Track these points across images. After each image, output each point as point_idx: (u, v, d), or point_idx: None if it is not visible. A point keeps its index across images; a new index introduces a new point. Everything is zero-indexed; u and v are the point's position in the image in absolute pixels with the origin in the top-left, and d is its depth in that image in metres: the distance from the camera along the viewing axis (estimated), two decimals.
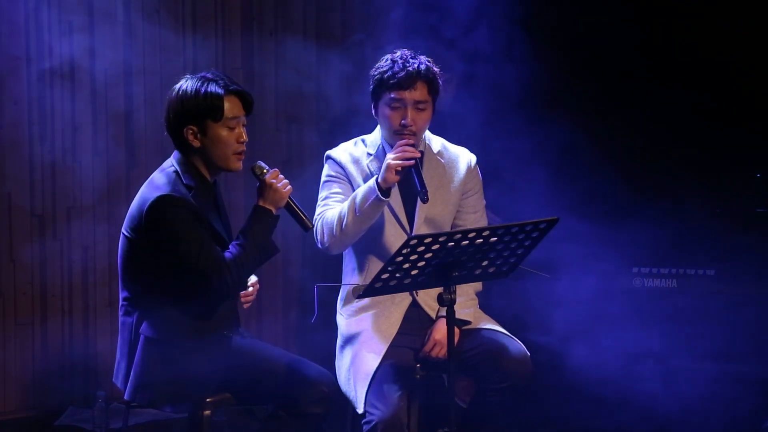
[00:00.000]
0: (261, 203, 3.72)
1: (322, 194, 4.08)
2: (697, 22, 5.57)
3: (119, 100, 5.52)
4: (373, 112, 4.04)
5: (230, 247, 3.67)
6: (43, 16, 5.30)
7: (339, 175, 4.06)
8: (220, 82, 3.68)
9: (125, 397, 3.75)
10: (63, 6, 5.33)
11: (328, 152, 4.12)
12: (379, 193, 3.83)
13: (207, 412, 3.71)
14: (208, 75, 3.70)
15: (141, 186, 3.76)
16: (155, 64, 5.58)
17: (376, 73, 3.99)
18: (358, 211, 3.87)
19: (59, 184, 5.40)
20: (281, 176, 3.75)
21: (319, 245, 4.01)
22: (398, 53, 4.01)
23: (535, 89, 5.76)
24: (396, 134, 3.96)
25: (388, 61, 3.98)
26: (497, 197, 4.94)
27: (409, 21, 6.10)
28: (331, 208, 3.99)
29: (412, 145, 3.89)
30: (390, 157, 3.86)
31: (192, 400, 3.70)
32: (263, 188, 3.73)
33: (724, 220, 5.26)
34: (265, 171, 3.74)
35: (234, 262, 3.62)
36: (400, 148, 3.87)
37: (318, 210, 4.03)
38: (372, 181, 3.87)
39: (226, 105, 3.66)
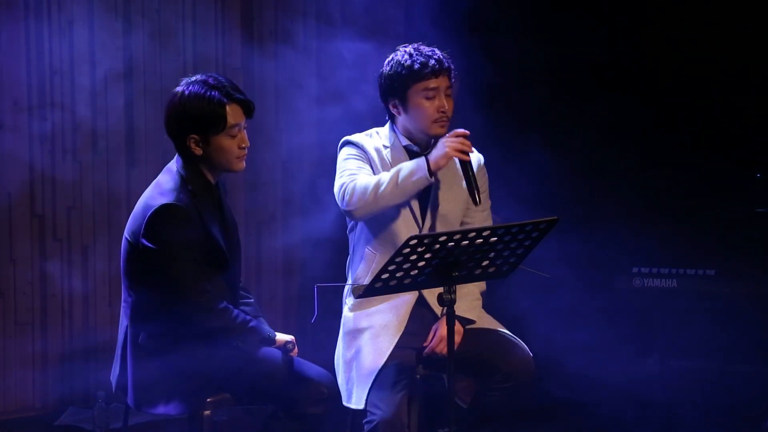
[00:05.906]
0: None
1: (347, 167, 3.97)
2: (695, 22, 5.57)
3: (119, 100, 5.51)
4: (395, 107, 3.99)
5: (243, 311, 3.74)
6: (42, 15, 5.30)
7: (361, 155, 4.01)
8: (222, 90, 3.65)
9: (127, 402, 3.75)
10: (62, 4, 5.34)
11: (346, 138, 4.05)
12: (428, 172, 3.82)
13: (207, 412, 3.71)
14: (210, 81, 3.66)
15: (141, 186, 3.76)
16: (155, 63, 5.58)
17: (399, 67, 3.93)
18: (400, 183, 3.83)
19: (59, 184, 5.40)
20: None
21: (344, 206, 3.90)
22: (409, 47, 3.97)
23: (537, 90, 5.77)
24: (434, 123, 3.94)
25: (406, 55, 3.94)
26: (498, 197, 4.94)
27: (409, 21, 6.10)
28: (366, 174, 3.93)
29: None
30: (449, 143, 3.84)
31: (191, 401, 3.69)
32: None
33: (724, 220, 5.25)
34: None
35: (232, 320, 3.66)
36: (459, 139, 3.86)
37: (345, 177, 3.93)
38: (422, 159, 3.85)
39: (228, 113, 3.64)
